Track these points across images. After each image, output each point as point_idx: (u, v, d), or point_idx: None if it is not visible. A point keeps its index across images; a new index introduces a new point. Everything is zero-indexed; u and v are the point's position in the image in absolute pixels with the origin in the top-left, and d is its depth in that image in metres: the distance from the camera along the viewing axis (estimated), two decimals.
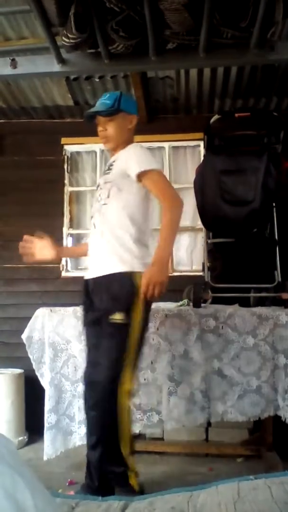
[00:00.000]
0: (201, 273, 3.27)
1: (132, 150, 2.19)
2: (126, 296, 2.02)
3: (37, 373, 2.71)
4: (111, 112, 2.23)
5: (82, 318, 2.30)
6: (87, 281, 2.21)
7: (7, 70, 2.57)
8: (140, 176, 2.09)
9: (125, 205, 2.11)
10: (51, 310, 2.70)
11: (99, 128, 2.26)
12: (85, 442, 2.60)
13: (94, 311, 2.11)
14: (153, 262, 1.99)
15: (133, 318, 2.02)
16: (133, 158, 2.13)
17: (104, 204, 2.15)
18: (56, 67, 2.53)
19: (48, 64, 2.55)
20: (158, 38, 2.35)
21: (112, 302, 2.03)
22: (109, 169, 2.25)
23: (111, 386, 1.99)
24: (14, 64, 2.56)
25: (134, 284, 2.01)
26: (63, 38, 2.30)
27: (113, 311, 2.01)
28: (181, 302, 2.93)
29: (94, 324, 2.10)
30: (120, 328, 2.01)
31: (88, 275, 2.21)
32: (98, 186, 2.31)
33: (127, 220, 2.10)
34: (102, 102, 2.28)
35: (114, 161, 2.24)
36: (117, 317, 2.00)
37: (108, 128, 2.23)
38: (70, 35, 2.26)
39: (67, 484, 2.57)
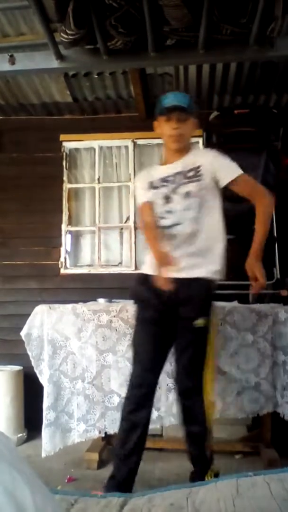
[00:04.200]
0: None
1: (220, 156, 2.17)
2: (209, 301, 2.12)
3: (36, 370, 2.71)
4: (191, 112, 2.17)
5: (144, 314, 2.18)
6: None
7: (6, 66, 2.57)
8: (238, 180, 2.12)
9: (218, 215, 2.15)
10: (50, 307, 2.70)
11: (174, 125, 2.11)
12: (83, 439, 2.62)
13: (175, 312, 2.08)
14: (257, 256, 2.08)
15: (210, 322, 2.10)
16: (226, 163, 2.15)
17: (199, 214, 2.09)
18: (55, 63, 2.52)
19: (46, 60, 2.55)
20: (157, 34, 2.35)
21: (199, 306, 2.08)
22: (195, 173, 2.12)
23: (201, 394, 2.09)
24: (12, 60, 2.56)
25: (212, 288, 2.12)
26: (62, 34, 2.30)
27: (199, 316, 2.05)
28: None
29: (174, 325, 2.10)
30: (203, 332, 2.08)
31: (173, 274, 2.05)
32: (171, 182, 2.15)
33: (220, 231, 2.15)
34: (181, 99, 2.15)
35: (199, 166, 2.12)
36: (200, 322, 2.05)
37: (183, 127, 2.14)
38: (68, 31, 2.25)
39: (66, 481, 2.57)
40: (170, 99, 2.14)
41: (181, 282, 2.01)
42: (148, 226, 2.17)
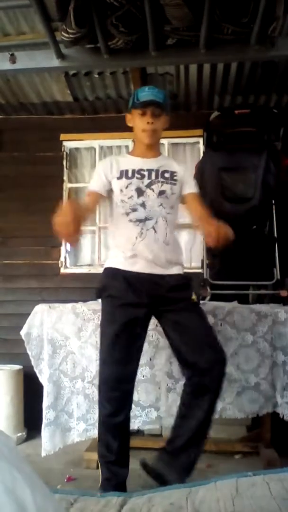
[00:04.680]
0: (200, 270, 3.27)
1: (188, 169, 2.31)
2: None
3: (35, 370, 2.71)
4: (165, 108, 2.15)
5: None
6: (148, 275, 2.08)
7: (6, 65, 2.57)
8: (195, 194, 2.20)
9: (176, 221, 2.23)
10: (50, 307, 2.70)
11: (149, 120, 2.10)
12: (83, 438, 2.62)
13: (171, 302, 2.08)
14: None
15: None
16: (191, 177, 2.28)
17: (169, 213, 2.13)
18: (55, 62, 2.52)
19: (47, 59, 2.55)
20: (158, 33, 2.35)
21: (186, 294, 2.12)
22: (171, 176, 2.16)
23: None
24: (13, 59, 2.56)
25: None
26: (63, 33, 2.30)
27: (190, 293, 2.12)
28: None
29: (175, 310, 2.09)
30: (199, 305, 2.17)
31: (154, 270, 2.08)
32: (145, 177, 2.14)
33: (175, 235, 2.24)
34: (156, 94, 2.13)
35: (175, 172, 2.17)
36: (194, 297, 2.11)
37: (157, 122, 2.13)
38: (69, 30, 2.25)
39: (65, 480, 2.57)
40: (146, 93, 2.12)
41: (156, 278, 2.07)
42: (80, 204, 2.09)
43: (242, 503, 1.16)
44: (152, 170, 2.15)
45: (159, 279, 2.08)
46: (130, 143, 3.97)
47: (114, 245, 2.20)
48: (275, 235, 3.10)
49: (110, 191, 2.17)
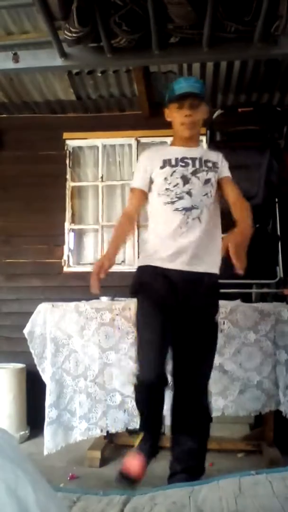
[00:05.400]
0: None
1: (222, 156, 2.21)
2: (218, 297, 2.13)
3: (38, 368, 2.72)
4: (203, 98, 2.11)
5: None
6: (181, 272, 2.02)
7: (9, 64, 2.57)
8: (226, 178, 2.15)
9: (218, 212, 2.17)
10: (53, 305, 2.70)
11: (188, 112, 2.06)
12: (86, 437, 2.62)
13: (191, 309, 2.03)
14: (243, 231, 1.96)
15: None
16: (226, 163, 2.18)
17: (213, 203, 2.09)
18: (58, 61, 2.52)
19: (50, 58, 2.54)
20: (161, 32, 2.34)
21: (215, 302, 2.09)
22: (213, 165, 2.12)
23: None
24: (16, 58, 2.55)
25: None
26: (65, 32, 2.29)
27: (217, 311, 2.08)
28: None
29: (186, 322, 2.04)
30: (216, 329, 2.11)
31: (195, 268, 2.03)
32: (189, 165, 2.09)
33: (219, 227, 2.15)
34: (193, 84, 2.08)
35: (216, 163, 2.14)
36: (217, 317, 2.08)
37: (196, 114, 2.08)
38: (72, 29, 2.25)
39: (68, 478, 2.58)
40: (182, 85, 2.07)
41: (196, 277, 2.01)
42: (127, 214, 2.13)
43: (245, 502, 1.16)
44: (195, 158, 2.10)
45: (198, 277, 2.03)
46: (133, 141, 3.97)
47: (153, 237, 2.12)
48: (278, 233, 3.10)
49: (151, 184, 2.12)
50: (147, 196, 2.15)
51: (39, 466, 0.81)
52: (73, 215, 4.01)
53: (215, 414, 2.64)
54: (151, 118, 3.78)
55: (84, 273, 3.92)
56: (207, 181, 2.08)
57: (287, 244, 3.09)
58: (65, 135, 3.98)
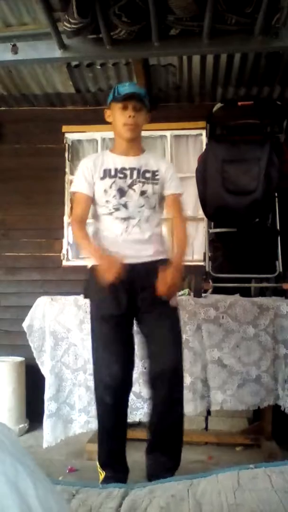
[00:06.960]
0: (202, 263, 3.26)
1: (173, 169, 2.30)
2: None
3: (37, 361, 2.72)
4: (146, 103, 2.15)
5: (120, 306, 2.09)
6: (132, 266, 2.05)
7: (8, 56, 2.55)
8: (175, 196, 2.19)
9: (161, 224, 2.26)
10: (52, 299, 2.71)
11: (131, 113, 2.10)
12: (84, 430, 2.63)
13: (149, 296, 2.03)
14: (176, 267, 2.02)
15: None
16: (175, 177, 2.23)
17: (151, 214, 2.13)
18: (58, 53, 2.50)
19: (49, 50, 2.52)
20: (161, 23, 2.33)
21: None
22: (152, 176, 2.15)
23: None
24: (15, 50, 2.54)
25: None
26: (65, 23, 2.28)
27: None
28: (182, 292, 2.92)
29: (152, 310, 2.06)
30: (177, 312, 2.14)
31: (134, 260, 2.08)
32: (127, 177, 2.13)
33: (161, 223, 2.26)
34: (137, 88, 2.16)
35: (157, 171, 2.16)
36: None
37: (138, 117, 2.13)
38: (71, 20, 2.23)
39: (67, 471, 2.59)
40: (127, 87, 2.12)
41: (142, 267, 2.07)
42: (79, 221, 2.15)
43: (244, 496, 1.16)
44: (134, 169, 2.14)
45: (149, 265, 2.08)
46: None
47: (100, 238, 2.17)
48: (278, 228, 3.09)
49: (93, 191, 2.15)
50: (92, 200, 2.18)
51: (38, 459, 0.81)
52: (72, 208, 3.99)
53: (214, 408, 2.66)
54: (150, 112, 3.75)
55: (83, 267, 3.90)
56: (142, 193, 2.12)
57: (286, 239, 3.08)
58: (64, 128, 3.96)
